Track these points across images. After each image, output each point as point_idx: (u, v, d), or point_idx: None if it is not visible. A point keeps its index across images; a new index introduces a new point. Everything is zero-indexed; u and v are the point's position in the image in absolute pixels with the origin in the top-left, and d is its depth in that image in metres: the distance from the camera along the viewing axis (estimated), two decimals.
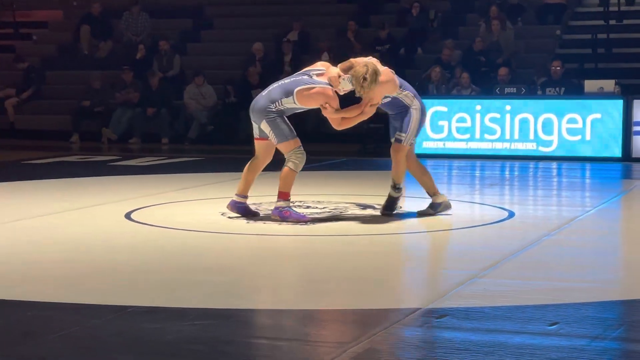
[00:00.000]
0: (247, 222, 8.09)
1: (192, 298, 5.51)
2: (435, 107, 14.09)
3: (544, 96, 14.54)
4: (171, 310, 5.22)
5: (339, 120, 8.19)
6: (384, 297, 5.68)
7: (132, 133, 17.07)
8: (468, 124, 14.18)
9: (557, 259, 6.72)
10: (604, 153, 13.66)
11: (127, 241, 7.32)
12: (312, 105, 8.09)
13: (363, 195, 9.84)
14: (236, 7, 20.14)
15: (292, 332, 4.89)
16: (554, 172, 12.75)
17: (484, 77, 15.93)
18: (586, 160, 13.54)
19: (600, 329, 4.88)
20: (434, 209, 8.46)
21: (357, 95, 8.05)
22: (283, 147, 8.08)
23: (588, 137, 13.74)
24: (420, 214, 8.48)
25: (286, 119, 8.09)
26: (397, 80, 8.22)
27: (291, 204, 8.17)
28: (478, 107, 14.21)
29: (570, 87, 14.76)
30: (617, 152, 13.63)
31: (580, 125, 13.75)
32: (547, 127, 13.88)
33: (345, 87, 8.01)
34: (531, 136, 13.96)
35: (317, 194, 9.78)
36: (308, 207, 8.85)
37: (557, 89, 14.66)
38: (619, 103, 13.70)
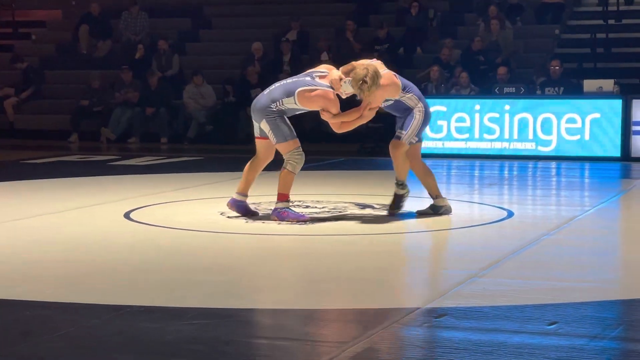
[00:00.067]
0: (247, 222, 8.09)
1: (192, 298, 5.51)
2: (434, 107, 14.06)
3: (543, 96, 14.54)
4: (170, 310, 5.22)
5: (339, 124, 8.18)
6: (384, 297, 5.68)
7: (131, 133, 17.07)
8: (467, 123, 14.18)
9: (556, 259, 6.72)
10: (603, 153, 13.66)
11: (126, 241, 7.32)
12: (312, 107, 8.09)
13: (362, 195, 9.84)
14: (235, 7, 20.14)
15: (291, 332, 4.88)
16: (553, 171, 12.75)
17: (483, 77, 15.93)
18: (585, 160, 13.54)
19: (599, 329, 4.88)
20: (434, 211, 8.46)
21: (358, 98, 8.05)
22: (282, 148, 8.08)
23: (587, 137, 13.74)
24: (420, 213, 8.48)
25: (287, 119, 8.09)
26: (400, 83, 8.19)
27: (290, 205, 8.18)
28: (477, 107, 14.22)
29: (569, 86, 14.76)
30: (616, 151, 13.63)
31: (579, 125, 13.75)
32: (546, 126, 13.88)
33: (347, 90, 8.00)
34: (530, 136, 13.96)
35: (316, 193, 9.78)
36: (307, 206, 8.85)
37: (556, 88, 14.66)
38: (618, 103, 13.70)
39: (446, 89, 15.46)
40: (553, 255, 6.87)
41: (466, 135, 14.19)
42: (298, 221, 8.01)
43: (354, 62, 8.11)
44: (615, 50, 17.44)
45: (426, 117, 8.36)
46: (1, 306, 5.40)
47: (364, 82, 7.77)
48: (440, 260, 7.18)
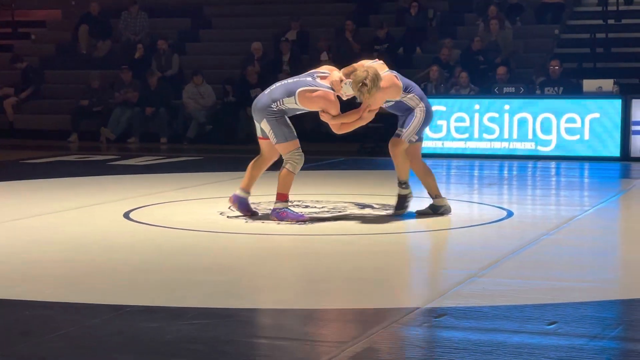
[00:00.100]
0: (246, 222, 8.10)
1: (192, 297, 5.52)
2: (434, 107, 13.95)
3: (543, 96, 14.54)
4: (170, 310, 5.22)
5: (339, 125, 8.18)
6: (383, 297, 5.68)
7: (131, 132, 17.07)
8: (467, 123, 14.19)
9: (556, 259, 6.72)
10: (602, 152, 13.66)
11: (125, 240, 7.33)
12: (312, 108, 8.09)
13: (362, 194, 9.85)
14: (235, 7, 20.14)
15: (291, 332, 4.89)
16: (553, 171, 12.76)
17: (482, 77, 15.93)
18: (585, 160, 13.55)
19: (599, 328, 4.88)
20: (434, 211, 8.46)
21: (358, 100, 8.05)
22: (282, 148, 8.08)
23: (586, 137, 13.74)
24: (420, 213, 8.48)
25: (287, 119, 8.09)
26: (401, 84, 8.18)
27: (289, 205, 8.18)
28: (477, 107, 14.22)
29: (568, 86, 14.76)
30: (615, 151, 13.63)
31: (578, 124, 13.76)
32: (546, 126, 13.88)
33: (347, 91, 7.99)
34: (530, 136, 13.96)
35: (315, 193, 9.78)
36: (307, 206, 8.85)
37: (556, 88, 14.65)
38: (618, 102, 13.70)
39: (446, 89, 15.46)
40: (552, 255, 6.88)
41: (466, 135, 14.19)
42: (297, 221, 8.01)
43: (355, 64, 8.11)
44: (614, 50, 17.44)
45: (427, 117, 8.35)
46: (1, 306, 5.40)
47: (364, 84, 7.76)
48: (440, 260, 7.18)
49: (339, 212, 8.62)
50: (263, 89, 8.37)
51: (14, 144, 16.53)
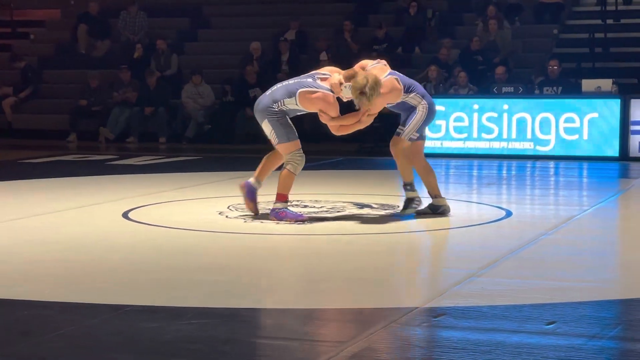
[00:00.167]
0: (245, 222, 8.10)
1: (191, 297, 5.52)
2: None
3: (542, 95, 14.55)
4: (170, 310, 5.23)
5: (337, 127, 8.18)
6: (382, 296, 5.69)
7: (130, 132, 17.07)
8: (465, 123, 14.20)
9: (555, 258, 6.73)
10: (601, 152, 13.67)
11: (125, 240, 7.33)
12: (312, 109, 8.09)
13: (361, 194, 9.85)
14: (234, 7, 20.13)
15: (291, 331, 4.89)
16: (552, 171, 12.76)
17: (481, 77, 15.94)
18: (583, 160, 13.55)
19: (598, 328, 4.89)
20: (433, 211, 8.46)
21: (357, 108, 8.04)
22: (283, 149, 8.08)
23: (585, 137, 13.75)
24: (419, 213, 8.48)
25: (289, 120, 8.09)
26: (402, 86, 8.16)
27: (289, 205, 8.18)
28: (475, 107, 14.23)
29: (567, 86, 14.77)
30: (614, 151, 13.64)
31: (577, 124, 13.77)
32: (545, 126, 13.89)
33: (347, 94, 7.98)
34: (528, 135, 13.97)
35: (315, 193, 9.79)
36: (306, 206, 8.86)
37: (555, 88, 14.66)
38: (617, 102, 13.71)
39: (444, 89, 15.47)
40: (551, 254, 6.88)
41: (465, 135, 14.20)
42: (296, 221, 8.01)
43: (356, 67, 8.11)
44: (613, 50, 17.45)
45: (430, 114, 8.33)
46: (1, 306, 5.40)
47: (363, 92, 7.75)
48: (439, 260, 7.19)
49: (338, 211, 8.62)
50: (262, 89, 8.39)
51: (13, 143, 16.53)
